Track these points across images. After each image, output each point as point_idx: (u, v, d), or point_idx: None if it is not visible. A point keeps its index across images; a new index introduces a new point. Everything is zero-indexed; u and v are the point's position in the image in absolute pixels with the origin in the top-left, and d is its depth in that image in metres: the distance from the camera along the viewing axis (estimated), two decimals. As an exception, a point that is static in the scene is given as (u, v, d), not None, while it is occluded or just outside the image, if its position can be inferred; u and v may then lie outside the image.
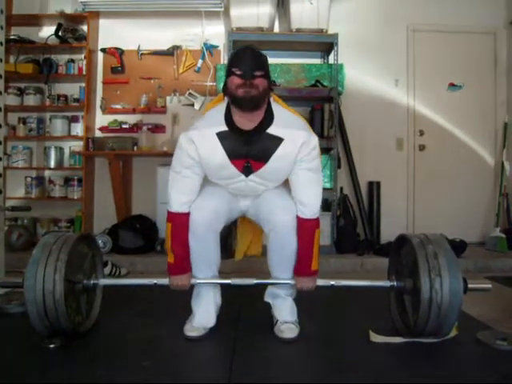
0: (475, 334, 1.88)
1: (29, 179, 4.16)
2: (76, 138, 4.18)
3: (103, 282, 2.05)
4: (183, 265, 1.91)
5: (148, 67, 4.25)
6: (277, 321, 1.98)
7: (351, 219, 4.01)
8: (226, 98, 1.83)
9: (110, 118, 4.22)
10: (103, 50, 4.26)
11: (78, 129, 4.18)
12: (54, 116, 4.21)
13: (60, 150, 4.22)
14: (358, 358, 1.73)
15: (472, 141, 4.41)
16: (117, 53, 4.23)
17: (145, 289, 2.28)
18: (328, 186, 3.93)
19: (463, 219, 4.27)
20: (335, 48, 3.93)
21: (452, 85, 4.40)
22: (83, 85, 4.13)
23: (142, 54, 4.24)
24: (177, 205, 1.88)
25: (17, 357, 1.72)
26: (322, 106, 3.94)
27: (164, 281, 1.97)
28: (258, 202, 1.98)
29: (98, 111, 4.27)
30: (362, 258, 3.68)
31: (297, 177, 1.87)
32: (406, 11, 4.33)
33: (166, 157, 4.06)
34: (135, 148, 4.01)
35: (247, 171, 1.84)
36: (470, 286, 1.76)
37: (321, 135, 3.94)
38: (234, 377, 1.55)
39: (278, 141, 1.79)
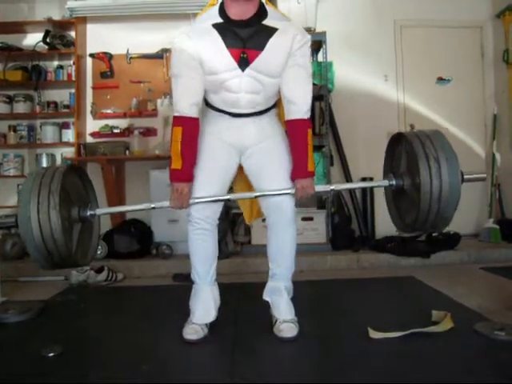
0: (473, 325, 1.89)
1: (21, 187, 4.13)
2: (67, 144, 4.16)
3: (99, 211, 1.98)
4: (190, 171, 1.90)
5: (137, 71, 4.25)
6: (276, 320, 1.99)
7: (346, 216, 4.02)
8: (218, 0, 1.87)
9: (101, 123, 4.21)
10: (92, 55, 4.24)
11: (70, 135, 4.17)
12: (44, 123, 4.19)
13: (52, 157, 4.20)
14: (357, 354, 1.73)
15: (462, 133, 4.43)
16: (105, 57, 4.22)
17: (144, 291, 2.29)
18: (322, 183, 3.94)
19: (457, 212, 4.26)
20: (324, 46, 3.94)
21: (441, 79, 4.43)
22: (73, 91, 4.11)
23: (130, 57, 4.23)
24: (186, 107, 1.86)
25: (16, 366, 1.71)
26: (313, 104, 3.93)
27: (162, 204, 1.93)
28: (254, 167, 1.99)
29: (89, 117, 4.25)
30: (357, 254, 3.69)
31: (288, 74, 1.88)
32: (393, 7, 4.35)
33: (159, 160, 4.06)
34: (127, 152, 4.00)
35: (243, 63, 1.82)
36: (466, 176, 1.78)
37: (313, 133, 3.94)
38: (234, 378, 1.55)
39: (272, 30, 1.83)
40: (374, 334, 1.84)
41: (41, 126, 4.20)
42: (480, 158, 4.45)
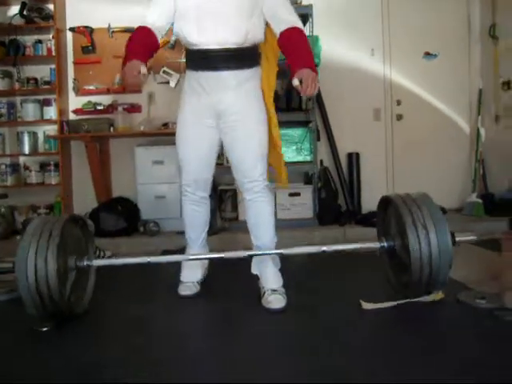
0: (456, 294, 1.94)
1: (3, 167, 4.05)
2: (50, 121, 4.07)
3: (96, 262, 2.02)
4: (135, 56, 1.90)
5: (120, 45, 4.02)
6: (264, 292, 2.01)
7: (332, 191, 4.05)
8: None
9: (84, 99, 4.12)
10: (72, 29, 4.12)
11: (52, 112, 4.07)
12: (24, 100, 4.09)
13: (34, 135, 4.12)
14: (346, 325, 1.77)
15: (448, 109, 4.45)
16: (86, 31, 4.10)
17: (134, 270, 2.29)
18: (308, 158, 3.95)
19: (441, 186, 4.33)
20: (310, 19, 3.87)
21: (427, 54, 4.41)
22: (53, 66, 4.00)
23: (112, 31, 4.11)
24: (142, 21, 2.02)
25: (9, 342, 1.71)
26: (299, 79, 3.92)
27: (157, 259, 2.04)
28: (230, 145, 2.07)
29: (71, 93, 4.16)
30: (344, 228, 3.73)
31: (266, 4, 1.95)
32: (379, -21, 4.29)
33: (144, 137, 4.01)
34: (111, 129, 3.94)
35: None
36: (457, 239, 1.82)
37: (299, 108, 3.93)
38: (222, 352, 1.57)
39: None
40: (367, 306, 1.88)
41: (21, 104, 4.10)
42: (465, 133, 4.49)
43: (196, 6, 1.91)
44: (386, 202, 2.02)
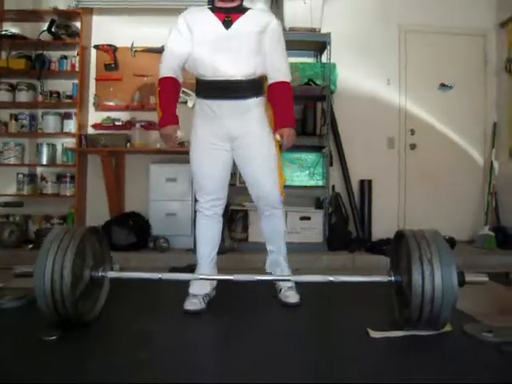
0: (463, 326, 1.92)
1: (20, 176, 4.14)
2: (69, 134, 4.17)
3: (111, 274, 2.07)
4: (170, 118, 2.20)
5: (141, 64, 4.26)
6: (280, 288, 2.30)
7: (343, 217, 4.05)
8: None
9: (103, 114, 4.22)
10: (96, 47, 4.25)
11: (71, 125, 4.18)
12: (46, 112, 4.20)
13: (52, 147, 4.21)
14: (354, 353, 1.75)
15: (462, 140, 4.47)
16: (110, 49, 4.23)
17: (141, 284, 2.31)
18: (320, 183, 3.97)
19: (453, 217, 4.32)
20: (328, 47, 3.96)
21: (443, 85, 4.45)
22: (76, 81, 4.12)
23: (135, 51, 4.24)
24: (164, 71, 2.22)
25: (16, 350, 1.72)
26: (315, 105, 3.98)
27: (168, 275, 2.08)
28: (243, 164, 2.27)
29: (91, 108, 4.27)
30: (353, 255, 3.72)
31: (268, 47, 2.21)
32: (398, 11, 4.38)
33: (159, 154, 4.08)
34: (128, 145, 4.02)
35: (227, 24, 2.16)
36: (467, 279, 1.78)
37: (313, 133, 3.98)
38: (224, 369, 1.57)
39: (250, 10, 2.24)
40: (375, 334, 1.86)
41: (42, 116, 4.21)
42: (478, 165, 4.49)
43: (212, 46, 2.15)
44: (399, 236, 2.01)
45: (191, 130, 2.31)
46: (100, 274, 2.00)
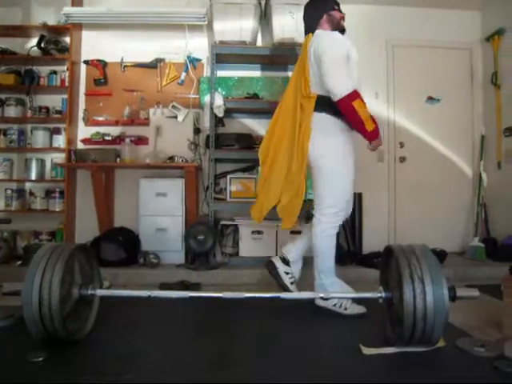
0: (455, 341, 1.91)
1: (9, 191, 4.10)
2: (58, 149, 4.14)
3: (100, 292, 2.06)
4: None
5: (131, 79, 4.26)
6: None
7: (334, 230, 4.03)
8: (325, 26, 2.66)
9: (93, 129, 4.20)
10: (86, 62, 4.25)
11: (60, 141, 4.16)
12: (35, 128, 4.17)
13: (41, 162, 4.18)
14: (346, 368, 1.74)
15: (451, 152, 4.51)
16: (100, 65, 4.23)
17: (130, 301, 2.27)
18: (311, 197, 3.96)
19: (443, 229, 4.34)
20: (317, 62, 3.98)
21: (431, 98, 4.51)
22: (65, 96, 4.11)
23: (125, 66, 4.25)
24: (350, 85, 2.44)
25: (1, 372, 1.68)
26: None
27: (157, 293, 2.04)
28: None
29: (81, 123, 4.25)
30: (344, 268, 3.71)
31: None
32: (385, 26, 4.45)
33: (149, 169, 4.06)
34: (118, 160, 4.00)
35: None
36: (458, 294, 1.78)
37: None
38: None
39: None
40: (367, 351, 1.84)
41: (31, 131, 4.19)
42: (467, 177, 4.53)
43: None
44: (388, 252, 2.01)
45: (328, 146, 2.62)
46: (89, 292, 1.99)
